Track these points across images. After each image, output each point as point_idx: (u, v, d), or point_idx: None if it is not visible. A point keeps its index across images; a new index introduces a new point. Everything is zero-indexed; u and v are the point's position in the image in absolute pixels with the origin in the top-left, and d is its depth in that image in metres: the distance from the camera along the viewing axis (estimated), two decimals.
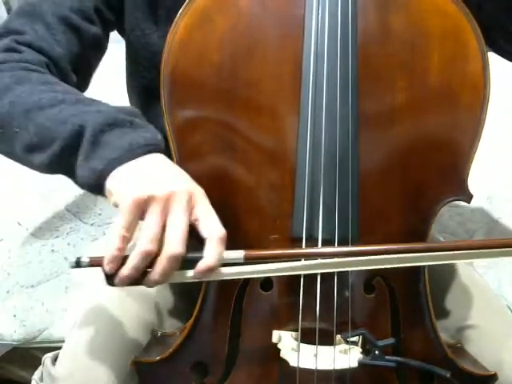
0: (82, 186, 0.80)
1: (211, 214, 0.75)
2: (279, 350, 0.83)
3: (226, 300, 0.86)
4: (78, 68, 0.97)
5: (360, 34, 0.83)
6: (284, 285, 0.85)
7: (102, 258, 0.74)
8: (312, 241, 0.81)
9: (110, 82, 1.40)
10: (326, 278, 0.82)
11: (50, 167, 0.82)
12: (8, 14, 1.82)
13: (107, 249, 0.73)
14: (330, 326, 0.82)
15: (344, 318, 0.83)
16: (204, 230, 0.74)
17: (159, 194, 0.73)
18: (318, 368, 0.80)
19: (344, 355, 0.81)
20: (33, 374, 1.04)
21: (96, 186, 0.77)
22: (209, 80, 0.83)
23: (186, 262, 0.74)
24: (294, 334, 0.83)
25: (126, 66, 1.08)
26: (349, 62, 0.82)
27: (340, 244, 0.82)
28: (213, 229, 0.74)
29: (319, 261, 0.79)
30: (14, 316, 1.22)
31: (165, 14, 0.99)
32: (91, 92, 1.54)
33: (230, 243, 0.86)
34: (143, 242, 0.72)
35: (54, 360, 0.95)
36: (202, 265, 0.73)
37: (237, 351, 0.86)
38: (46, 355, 0.97)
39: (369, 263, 0.78)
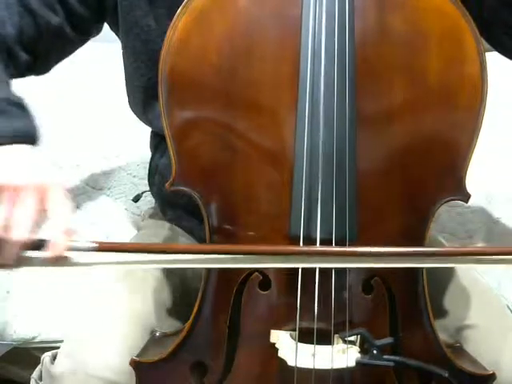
0: None
1: (60, 206, 0.78)
2: (277, 349, 0.83)
3: (224, 300, 0.86)
4: (33, 51, 0.99)
5: (357, 33, 0.83)
6: (282, 284, 0.85)
7: None
8: (310, 240, 0.81)
9: (110, 82, 1.40)
10: (325, 277, 0.82)
11: None
12: None
13: None
14: (328, 326, 0.82)
15: (342, 318, 0.83)
16: (51, 220, 0.77)
17: (9, 184, 0.76)
18: (316, 367, 0.80)
19: (342, 355, 0.81)
20: (32, 373, 1.04)
21: None
22: (207, 80, 0.83)
23: (37, 249, 0.76)
24: (292, 333, 0.83)
25: (125, 66, 1.08)
26: (346, 61, 0.82)
27: (338, 243, 0.82)
28: (59, 219, 0.77)
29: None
30: (14, 316, 1.22)
31: (165, 12, 0.99)
32: (92, 92, 1.56)
33: (229, 241, 0.86)
34: None
35: (53, 359, 0.95)
36: (47, 252, 0.76)
37: (235, 351, 0.86)
38: (45, 354, 0.97)
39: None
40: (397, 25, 0.84)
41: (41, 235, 0.76)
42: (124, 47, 1.07)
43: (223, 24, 0.83)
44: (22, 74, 1.00)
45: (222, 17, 0.83)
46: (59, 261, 0.76)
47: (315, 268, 0.82)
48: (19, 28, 0.97)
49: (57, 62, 1.07)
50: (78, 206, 1.39)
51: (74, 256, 0.77)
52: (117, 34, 1.09)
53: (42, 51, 1.02)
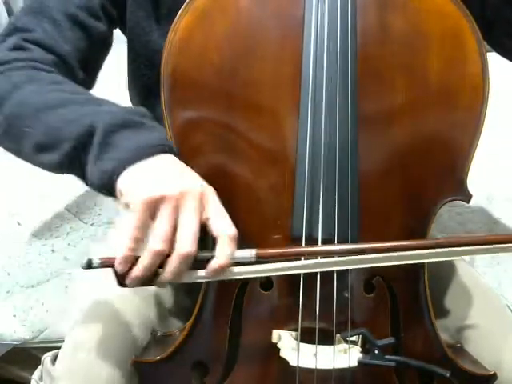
0: (92, 186, 0.80)
1: (222, 214, 0.75)
2: (279, 349, 0.83)
3: (226, 300, 0.86)
4: (86, 65, 0.97)
5: (359, 34, 0.83)
6: (284, 284, 0.85)
7: (113, 258, 0.74)
8: (312, 240, 0.82)
9: (111, 82, 1.40)
10: (326, 277, 0.82)
11: (60, 167, 0.83)
12: (8, 13, 1.82)
13: (118, 249, 0.73)
14: (330, 326, 0.82)
15: (344, 318, 0.83)
16: (215, 230, 0.74)
17: (170, 194, 0.73)
18: (318, 367, 0.80)
19: (344, 355, 0.81)
20: (33, 373, 1.04)
21: (106, 187, 0.77)
22: (209, 80, 0.83)
23: (198, 262, 0.74)
24: (293, 333, 0.83)
25: (128, 65, 1.08)
26: (348, 62, 0.82)
27: (340, 244, 0.82)
28: (224, 228, 0.74)
29: (328, 259, 0.79)
30: (14, 316, 1.23)
31: (166, 12, 0.99)
32: (92, 92, 1.55)
33: None
34: (154, 241, 0.72)
35: (54, 359, 0.95)
36: (213, 264, 0.73)
37: (237, 351, 0.86)
38: (45, 354, 0.97)
39: (378, 261, 0.78)
40: (398, 25, 0.84)
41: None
42: (127, 47, 1.07)
43: (225, 24, 0.83)
44: None
45: (223, 17, 0.83)
46: (223, 273, 0.73)
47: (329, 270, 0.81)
48: (74, 44, 0.94)
49: (98, 73, 1.04)
50: (77, 206, 1.39)
51: (235, 267, 0.75)
52: (124, 33, 1.08)
53: (93, 63, 1.00)
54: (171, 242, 0.72)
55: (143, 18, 1.01)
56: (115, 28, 1.05)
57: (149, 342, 0.95)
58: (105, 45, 1.01)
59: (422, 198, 0.86)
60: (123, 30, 1.07)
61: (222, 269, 0.73)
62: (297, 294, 0.82)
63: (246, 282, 0.85)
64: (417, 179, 0.86)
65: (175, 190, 0.73)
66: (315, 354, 0.81)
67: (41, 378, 1.00)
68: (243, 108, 0.83)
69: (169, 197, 0.73)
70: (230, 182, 0.85)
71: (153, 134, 0.79)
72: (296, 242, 0.82)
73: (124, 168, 0.76)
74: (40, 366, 1.01)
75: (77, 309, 1.07)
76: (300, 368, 0.81)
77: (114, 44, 1.10)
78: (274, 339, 0.84)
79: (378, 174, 0.85)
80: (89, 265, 0.74)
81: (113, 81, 1.22)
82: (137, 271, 0.74)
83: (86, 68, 0.97)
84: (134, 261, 0.74)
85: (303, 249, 0.81)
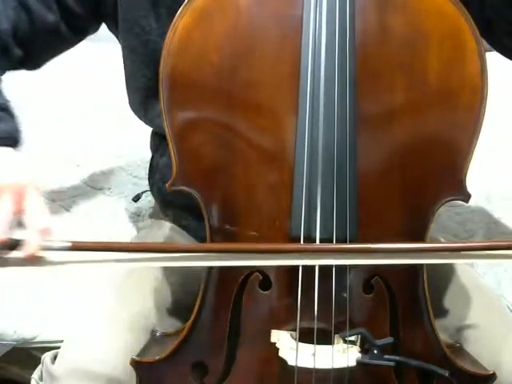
0: None
1: (36, 207, 0.79)
2: (278, 349, 0.83)
3: (224, 300, 0.86)
4: (26, 46, 1.01)
5: (358, 34, 0.83)
6: (282, 284, 0.85)
7: None
8: (310, 240, 0.82)
9: (110, 82, 1.40)
10: (325, 277, 0.82)
11: None
12: None
13: None
14: (329, 326, 0.82)
15: (342, 318, 0.83)
16: (27, 221, 0.78)
17: None
18: (317, 367, 0.81)
19: (342, 354, 0.81)
20: (33, 373, 1.04)
21: None
22: (208, 80, 0.83)
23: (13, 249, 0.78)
24: (292, 333, 0.84)
25: (125, 66, 1.08)
26: (347, 62, 0.82)
27: (339, 244, 0.82)
28: (35, 219, 0.78)
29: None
30: (14, 316, 1.22)
31: (166, 12, 0.99)
32: (92, 92, 1.56)
33: (230, 241, 0.86)
34: None
35: (54, 359, 0.95)
36: (22, 251, 0.76)
37: (236, 351, 0.86)
38: (45, 354, 0.97)
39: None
40: (397, 25, 0.84)
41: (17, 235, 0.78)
42: (124, 47, 1.07)
43: (224, 24, 0.83)
44: (13, 68, 1.01)
45: (222, 17, 0.83)
46: (34, 260, 0.77)
47: (315, 268, 0.82)
48: (14, 23, 0.98)
49: (49, 59, 1.09)
50: (77, 206, 1.39)
51: (50, 255, 0.78)
52: (115, 35, 1.09)
53: (35, 47, 1.03)
54: None
55: (142, 18, 1.01)
56: (85, 24, 1.07)
57: (148, 341, 0.95)
58: (53, 34, 1.03)
59: (421, 197, 0.86)
60: (115, 32, 1.07)
61: (32, 256, 0.76)
62: (295, 294, 0.82)
63: (244, 282, 0.85)
64: (416, 179, 0.86)
65: None
66: (314, 354, 0.81)
67: (41, 378, 1.00)
68: (242, 108, 0.83)
69: None
70: (228, 181, 0.85)
71: None
72: (295, 241, 0.82)
73: None
74: (40, 366, 1.01)
75: (76, 309, 1.07)
76: (299, 368, 0.81)
77: (113, 44, 1.11)
78: (273, 339, 0.84)
79: (377, 173, 0.85)
80: None
81: (113, 80, 1.22)
82: None
83: (26, 48, 1.01)
84: None
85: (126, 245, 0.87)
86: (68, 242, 0.78)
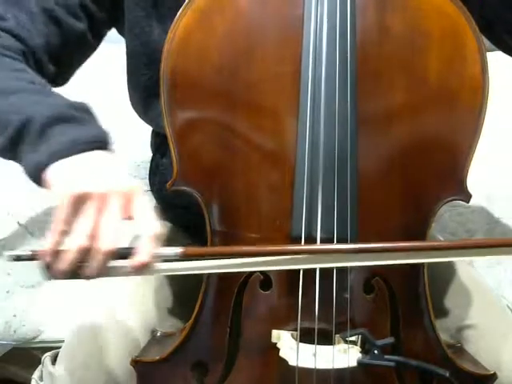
0: (27, 176, 0.81)
1: (146, 212, 0.76)
2: (278, 349, 0.83)
3: (225, 300, 0.86)
4: (58, 60, 0.98)
5: (359, 33, 0.83)
6: (283, 284, 0.85)
7: (40, 251, 0.75)
8: (311, 240, 0.82)
9: (111, 82, 1.40)
10: (326, 277, 0.82)
11: (5, 151, 0.84)
12: None
13: (46, 242, 0.75)
14: (329, 326, 0.82)
15: (343, 318, 0.83)
16: (138, 227, 0.75)
17: (95, 191, 0.74)
18: (317, 367, 0.80)
19: (343, 355, 0.81)
20: (33, 373, 1.04)
21: (37, 178, 0.78)
22: (208, 80, 0.83)
23: (123, 257, 0.75)
24: (293, 333, 0.83)
25: (127, 65, 1.08)
26: (347, 62, 0.82)
27: (340, 243, 0.82)
28: (146, 226, 0.75)
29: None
30: (14, 316, 1.22)
31: (167, 12, 0.99)
32: (92, 92, 1.55)
33: (230, 243, 0.86)
34: (78, 236, 0.73)
35: (54, 359, 0.96)
36: (135, 260, 0.74)
37: (236, 351, 0.86)
38: (45, 354, 0.98)
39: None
40: (397, 25, 0.84)
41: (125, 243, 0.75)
42: (126, 47, 1.07)
43: (224, 24, 0.83)
44: None
45: (223, 17, 0.83)
46: (144, 269, 0.74)
47: (316, 268, 0.82)
48: (46, 38, 0.95)
49: (75, 72, 1.05)
50: None
51: (160, 263, 0.76)
52: (122, 35, 1.08)
53: (66, 60, 1.01)
54: (94, 237, 0.73)
55: (142, 18, 1.01)
56: (105, 29, 1.05)
57: (149, 341, 0.95)
58: (83, 44, 1.02)
59: (422, 197, 0.86)
60: (121, 32, 1.07)
61: (144, 265, 0.74)
62: (296, 294, 0.82)
63: (245, 282, 0.85)
64: (416, 179, 0.86)
65: (101, 188, 0.74)
66: (314, 354, 0.81)
67: (41, 378, 1.00)
68: (242, 108, 0.83)
69: (94, 194, 0.74)
70: (228, 181, 0.85)
71: (89, 130, 0.80)
72: (295, 241, 0.82)
73: (54, 161, 0.77)
74: (40, 366, 1.01)
75: (77, 309, 1.07)
76: (299, 368, 0.81)
77: (113, 44, 1.11)
78: (274, 339, 0.84)
79: (377, 173, 0.85)
80: (18, 257, 0.76)
81: (113, 80, 1.22)
82: (61, 265, 0.74)
83: (57, 63, 0.98)
84: (59, 254, 0.74)
85: (236, 249, 0.82)
86: (179, 248, 0.76)
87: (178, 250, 0.76)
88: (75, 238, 0.73)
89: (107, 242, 0.73)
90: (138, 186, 0.78)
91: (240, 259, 0.79)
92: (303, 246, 0.82)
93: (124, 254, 0.74)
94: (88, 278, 0.76)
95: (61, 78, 1.02)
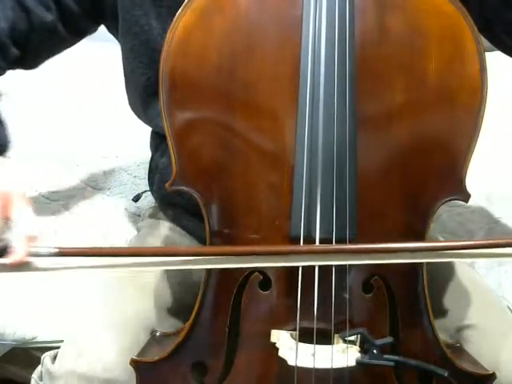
0: None
1: (22, 214, 0.80)
2: (277, 349, 0.83)
3: (224, 300, 0.86)
4: (24, 46, 1.01)
5: (358, 34, 0.83)
6: (282, 284, 0.85)
7: None
8: (310, 241, 0.81)
9: (110, 82, 1.40)
10: (325, 277, 0.82)
11: None
12: None
13: None
14: (328, 326, 0.82)
15: (342, 318, 0.83)
16: (14, 228, 0.79)
17: None
18: (316, 367, 0.80)
19: (342, 354, 0.81)
20: (32, 373, 1.04)
21: None
22: (207, 80, 0.83)
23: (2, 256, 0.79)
24: (292, 333, 0.83)
25: (124, 65, 1.08)
26: (346, 62, 0.82)
27: (338, 243, 0.82)
28: (22, 226, 0.79)
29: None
30: (14, 316, 1.22)
31: (166, 11, 0.99)
32: (92, 92, 1.56)
33: (229, 242, 0.86)
34: None
35: (54, 359, 0.96)
36: (9, 258, 0.77)
37: (235, 350, 0.86)
38: (45, 354, 0.98)
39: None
40: (396, 25, 0.84)
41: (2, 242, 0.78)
42: (123, 47, 1.07)
43: (224, 24, 0.83)
44: (10, 67, 1.01)
45: (222, 17, 0.83)
46: (20, 266, 0.78)
47: (315, 267, 0.82)
48: (12, 23, 0.98)
49: (46, 59, 1.09)
50: (77, 206, 1.39)
51: (37, 261, 0.79)
52: (114, 35, 1.09)
53: (32, 47, 1.03)
54: None
55: (141, 17, 1.01)
56: (82, 23, 1.07)
57: (148, 341, 0.95)
58: (51, 34, 1.04)
59: (421, 197, 0.86)
60: (112, 31, 1.07)
61: (19, 262, 0.77)
62: (295, 294, 0.82)
63: (244, 282, 0.85)
64: (415, 179, 0.86)
65: None
66: (313, 354, 0.81)
67: (41, 378, 1.00)
68: (242, 108, 0.83)
69: None
70: (227, 181, 0.85)
71: None
72: (294, 241, 0.82)
73: None
74: (40, 366, 1.01)
75: (76, 309, 1.07)
76: (298, 367, 0.81)
77: (113, 44, 1.11)
78: (273, 339, 0.84)
79: (376, 173, 0.85)
80: None
81: (112, 80, 1.22)
82: None
83: (23, 48, 1.01)
84: None
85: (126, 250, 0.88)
86: (54, 247, 0.78)
87: (52, 249, 0.78)
88: None
89: None
90: (18, 190, 0.82)
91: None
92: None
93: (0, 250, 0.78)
94: None
95: (27, 62, 1.05)
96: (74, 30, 1.06)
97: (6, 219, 0.80)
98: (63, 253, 0.79)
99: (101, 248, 0.87)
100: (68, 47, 1.09)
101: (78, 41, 1.09)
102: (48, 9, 1.01)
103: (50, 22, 1.02)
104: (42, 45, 1.05)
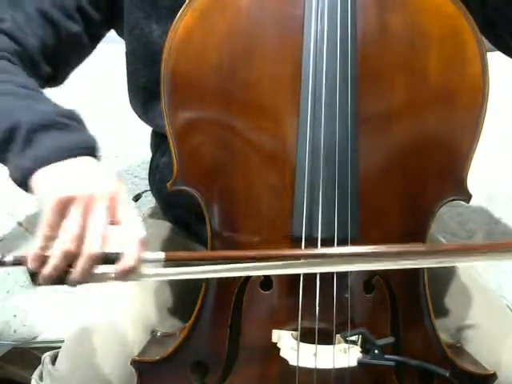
0: (13, 180, 0.81)
1: (132, 217, 0.76)
2: (279, 349, 0.83)
3: (225, 300, 0.86)
4: (54, 61, 1.00)
5: (359, 33, 0.83)
6: (284, 284, 0.85)
7: (26, 256, 0.74)
8: (312, 240, 0.82)
9: (110, 82, 1.40)
10: (326, 277, 0.82)
11: None
12: None
13: (31, 247, 0.74)
14: (330, 326, 0.82)
15: (343, 318, 0.83)
16: (124, 232, 0.75)
17: (81, 195, 0.74)
18: (318, 367, 0.80)
19: (343, 354, 0.81)
20: (33, 373, 1.04)
21: (23, 183, 0.79)
22: (208, 80, 0.83)
23: (110, 263, 0.74)
24: (293, 333, 0.84)
25: (127, 66, 1.08)
26: (348, 61, 0.82)
27: (340, 243, 0.82)
28: (132, 230, 0.75)
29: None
30: (14, 316, 1.22)
31: (165, 12, 0.99)
32: (91, 92, 1.55)
33: (231, 243, 0.86)
34: (63, 241, 0.73)
35: (54, 359, 0.96)
36: (120, 265, 0.74)
37: (237, 351, 0.86)
38: (45, 354, 0.97)
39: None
40: (398, 25, 0.84)
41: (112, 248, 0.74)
42: (126, 48, 1.07)
43: (225, 25, 0.83)
44: (41, 87, 0.97)
45: (223, 17, 0.83)
46: (131, 274, 0.74)
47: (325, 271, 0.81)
48: (42, 40, 0.97)
49: (72, 71, 1.06)
50: None
51: (145, 268, 0.75)
52: (122, 37, 1.09)
53: (61, 61, 1.02)
54: (79, 242, 0.73)
55: (142, 19, 1.01)
56: (103, 31, 1.06)
57: (149, 341, 0.95)
58: (79, 46, 1.03)
59: (422, 197, 0.86)
60: (120, 33, 1.07)
61: (130, 270, 0.74)
62: (297, 294, 0.82)
63: (245, 282, 0.85)
64: (416, 179, 0.86)
65: (86, 192, 0.74)
66: (315, 354, 0.81)
67: (41, 378, 1.00)
68: (243, 108, 0.83)
69: (79, 198, 0.74)
70: (229, 181, 0.85)
71: (75, 137, 0.81)
72: (296, 242, 0.82)
73: (40, 166, 0.77)
74: (40, 366, 1.01)
75: (76, 309, 1.07)
76: (300, 368, 0.81)
77: (113, 44, 1.11)
78: (274, 339, 0.84)
79: (378, 173, 0.85)
80: (1, 262, 0.74)
81: (113, 80, 1.22)
82: (47, 270, 0.74)
83: (53, 64, 1.00)
84: (45, 259, 0.74)
85: (222, 253, 0.82)
86: (162, 253, 0.75)
87: (162, 254, 0.75)
88: (60, 243, 0.73)
89: (92, 247, 0.73)
90: (123, 190, 0.78)
91: (228, 265, 0.78)
92: (287, 252, 0.81)
93: (110, 258, 0.73)
94: (74, 283, 0.75)
95: (57, 77, 1.03)
96: (94, 37, 1.05)
97: (114, 223, 0.75)
98: (172, 258, 0.76)
99: (205, 253, 0.86)
100: (89, 55, 1.07)
101: (96, 47, 1.08)
102: (74, 20, 1.00)
103: (76, 33, 1.00)
104: (69, 57, 1.03)
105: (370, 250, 0.77)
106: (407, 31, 0.84)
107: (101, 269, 0.74)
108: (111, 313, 0.97)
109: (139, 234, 0.74)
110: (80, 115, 0.85)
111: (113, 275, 0.74)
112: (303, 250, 0.81)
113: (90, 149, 0.81)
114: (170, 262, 0.77)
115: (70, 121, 0.82)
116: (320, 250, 0.81)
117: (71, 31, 1.00)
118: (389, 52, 0.83)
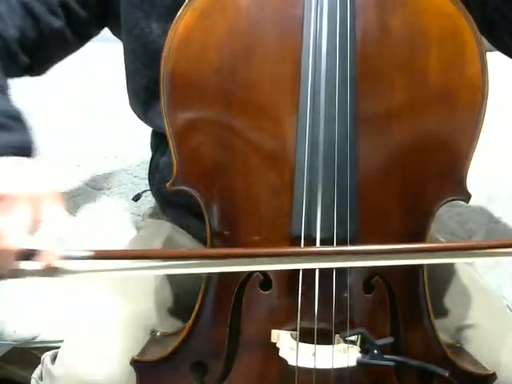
0: None
1: (55, 217, 0.78)
2: (278, 349, 0.83)
3: (225, 300, 0.86)
4: (33, 53, 1.01)
5: (359, 33, 0.83)
6: (283, 284, 0.85)
7: None
8: (311, 240, 0.82)
9: (110, 82, 1.40)
10: (325, 277, 0.82)
11: None
12: None
13: None
14: (329, 326, 0.82)
15: (343, 318, 0.83)
16: (46, 230, 0.77)
17: (3, 193, 0.76)
18: (317, 367, 0.80)
19: (343, 354, 0.81)
20: (32, 373, 1.04)
21: None
22: (208, 80, 0.83)
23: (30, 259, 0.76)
24: (292, 333, 0.84)
25: (126, 66, 1.08)
26: (347, 61, 0.82)
27: (339, 243, 0.82)
28: (54, 229, 0.77)
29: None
30: (14, 316, 1.22)
31: (165, 12, 0.99)
32: (92, 92, 1.56)
33: (230, 243, 0.86)
34: None
35: (54, 359, 0.96)
36: (39, 262, 0.75)
37: (236, 350, 0.86)
38: (45, 354, 0.98)
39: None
40: (397, 25, 0.84)
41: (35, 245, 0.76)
42: (125, 48, 1.07)
43: (224, 24, 0.83)
44: (19, 75, 1.01)
45: (223, 17, 0.83)
46: (52, 270, 0.76)
47: (315, 268, 0.82)
48: (21, 31, 0.98)
49: (53, 65, 1.09)
50: (77, 206, 1.39)
51: (68, 265, 0.77)
52: (117, 36, 1.09)
53: (41, 54, 1.03)
54: None
55: (141, 19, 1.01)
56: (90, 28, 1.07)
57: (148, 341, 0.95)
58: (60, 40, 1.04)
59: (421, 197, 0.86)
60: (115, 33, 1.08)
61: (50, 266, 0.75)
62: (296, 294, 0.82)
63: (244, 282, 0.85)
64: (416, 178, 0.86)
65: (9, 190, 0.76)
66: (314, 354, 0.81)
67: (41, 378, 1.00)
68: (242, 108, 0.83)
69: (2, 195, 0.76)
70: (229, 181, 0.85)
71: (10, 137, 0.83)
72: (295, 241, 0.82)
73: None
74: (40, 366, 1.01)
75: (76, 309, 1.07)
76: (299, 368, 0.81)
77: (113, 44, 1.11)
78: (273, 339, 0.84)
79: (377, 173, 0.85)
80: None
81: (113, 80, 1.22)
82: None
83: (32, 55, 1.01)
84: None
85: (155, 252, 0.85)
86: (90, 250, 0.77)
87: (86, 252, 0.77)
88: None
89: (9, 242, 0.74)
90: (50, 190, 0.79)
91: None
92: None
93: (29, 254, 0.75)
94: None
95: (36, 69, 1.05)
96: (80, 35, 1.06)
97: (37, 222, 0.77)
98: (97, 256, 0.77)
99: (134, 251, 0.87)
100: (74, 51, 1.09)
101: (84, 45, 1.09)
102: (55, 15, 1.01)
103: (58, 29, 1.02)
104: (50, 51, 1.05)
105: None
106: (407, 31, 0.84)
107: (23, 265, 0.76)
108: (111, 313, 0.97)
109: (59, 232, 0.77)
110: (23, 116, 0.87)
111: (34, 271, 0.76)
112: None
113: (24, 149, 0.83)
114: (96, 259, 0.78)
115: (11, 121, 0.84)
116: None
117: (53, 26, 1.01)
118: (388, 52, 0.83)
